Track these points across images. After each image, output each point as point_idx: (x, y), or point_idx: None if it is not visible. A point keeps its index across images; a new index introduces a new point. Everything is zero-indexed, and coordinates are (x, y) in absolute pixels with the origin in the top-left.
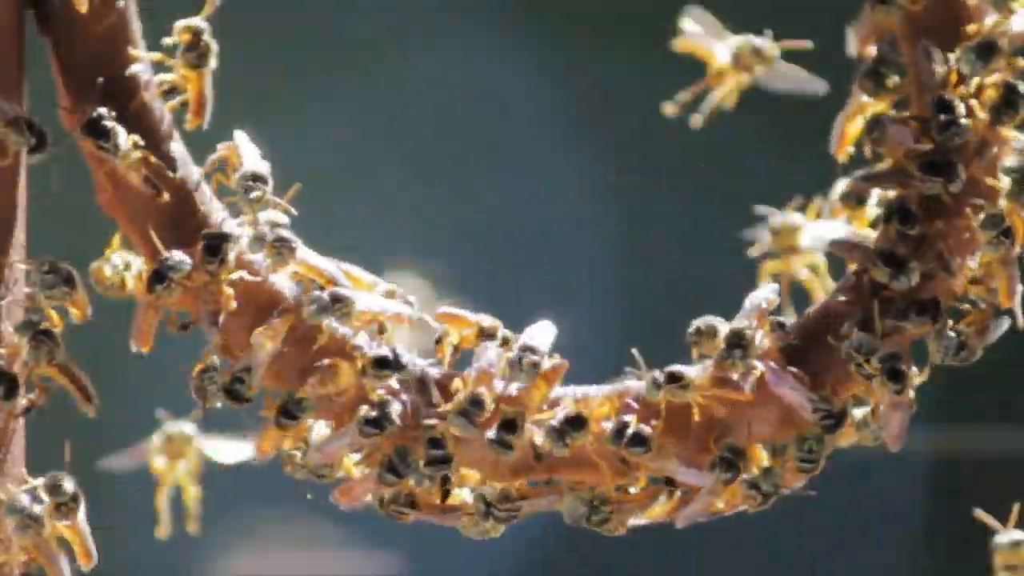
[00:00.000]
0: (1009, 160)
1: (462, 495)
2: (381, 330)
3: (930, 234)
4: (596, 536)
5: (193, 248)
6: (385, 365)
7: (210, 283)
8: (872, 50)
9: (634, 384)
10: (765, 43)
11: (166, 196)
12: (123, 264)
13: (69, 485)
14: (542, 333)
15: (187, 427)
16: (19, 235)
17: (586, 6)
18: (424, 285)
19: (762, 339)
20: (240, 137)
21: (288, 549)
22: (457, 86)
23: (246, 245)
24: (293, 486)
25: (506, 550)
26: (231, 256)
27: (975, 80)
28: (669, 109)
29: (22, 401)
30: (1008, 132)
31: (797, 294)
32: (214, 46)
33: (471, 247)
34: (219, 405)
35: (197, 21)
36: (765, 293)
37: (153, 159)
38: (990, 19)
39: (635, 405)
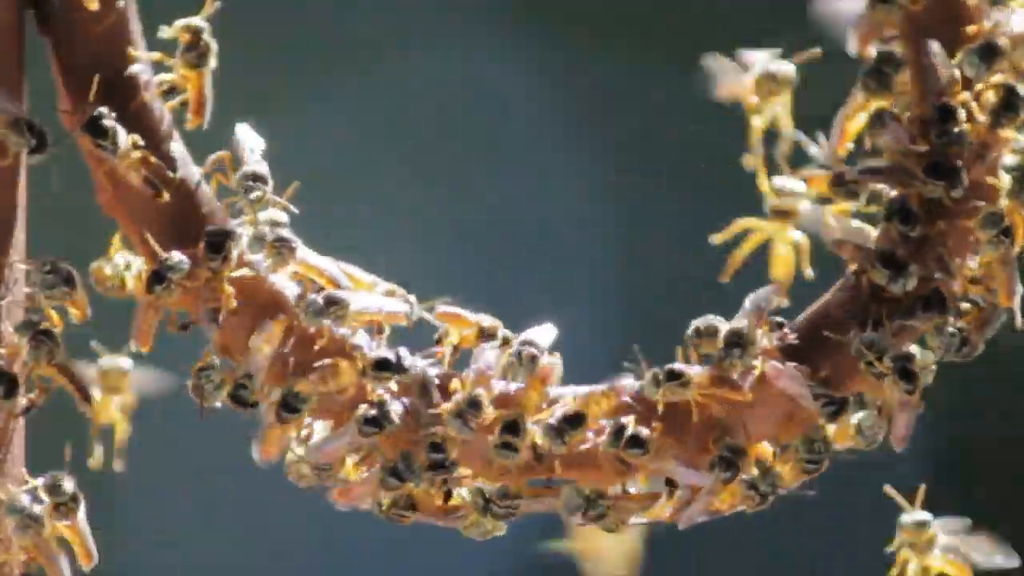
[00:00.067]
0: (1009, 158)
1: (462, 494)
2: (380, 330)
3: (931, 235)
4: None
5: (193, 248)
6: (385, 367)
7: (212, 280)
8: (872, 50)
9: (631, 381)
10: (779, 66)
11: (166, 196)
12: (123, 264)
13: (69, 485)
14: (542, 333)
15: (123, 362)
16: (19, 235)
17: (586, 6)
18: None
19: (761, 339)
20: (241, 130)
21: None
22: (457, 86)
23: (246, 245)
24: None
25: (506, 550)
26: (234, 253)
27: (979, 85)
28: (749, 162)
29: (22, 401)
30: (1008, 133)
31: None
32: (214, 45)
33: (471, 247)
34: (218, 404)
35: (197, 21)
36: (765, 293)
37: (153, 159)
38: (990, 19)
39: (634, 405)
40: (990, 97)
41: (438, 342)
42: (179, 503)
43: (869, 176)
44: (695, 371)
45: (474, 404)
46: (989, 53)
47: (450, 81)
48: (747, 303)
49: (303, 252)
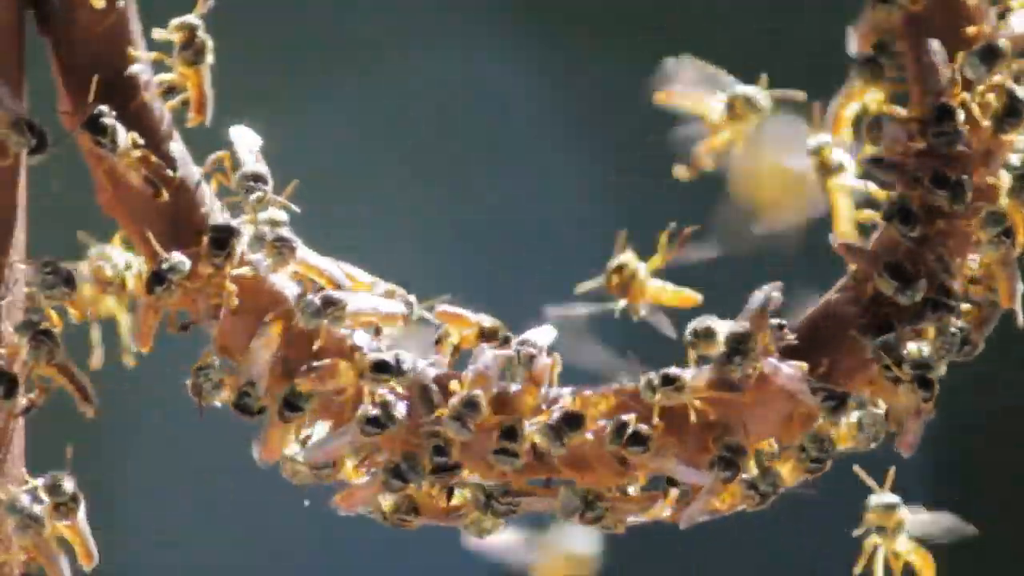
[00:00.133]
0: (1010, 157)
1: (464, 494)
2: (378, 331)
3: (931, 235)
4: (595, 536)
5: (193, 248)
6: (384, 369)
7: (214, 276)
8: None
9: (630, 383)
10: (757, 93)
11: (166, 196)
12: (123, 264)
13: (69, 485)
14: (542, 333)
15: (114, 252)
16: (19, 235)
17: (586, 6)
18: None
19: (762, 339)
20: (237, 131)
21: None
22: (457, 86)
23: (246, 245)
24: (293, 487)
25: None
26: (238, 250)
27: (980, 87)
28: (681, 173)
29: (22, 401)
30: (1011, 138)
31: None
32: (209, 42)
33: (471, 247)
34: (217, 404)
35: (190, 18)
36: (766, 293)
37: (153, 158)
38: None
39: (634, 405)
40: (993, 102)
41: (438, 342)
42: (179, 503)
43: (878, 169)
44: (691, 374)
45: (472, 405)
46: (990, 55)
47: (450, 81)
48: (749, 303)
49: (303, 252)
